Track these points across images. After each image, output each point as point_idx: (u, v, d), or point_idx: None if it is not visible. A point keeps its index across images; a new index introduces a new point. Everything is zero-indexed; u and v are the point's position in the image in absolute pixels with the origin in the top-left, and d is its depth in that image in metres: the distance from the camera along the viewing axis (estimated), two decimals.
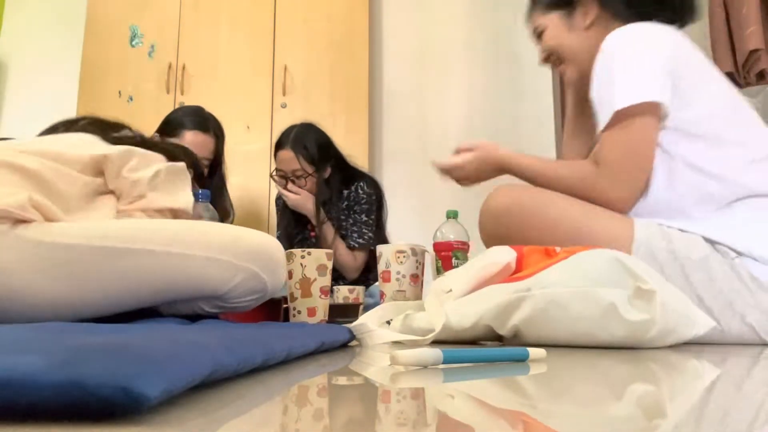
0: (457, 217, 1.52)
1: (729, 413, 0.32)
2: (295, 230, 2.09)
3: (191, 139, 1.79)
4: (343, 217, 2.02)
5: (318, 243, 1.99)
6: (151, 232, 0.93)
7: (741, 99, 1.11)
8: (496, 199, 1.14)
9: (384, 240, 2.05)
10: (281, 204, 2.14)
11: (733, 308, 0.97)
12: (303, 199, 1.96)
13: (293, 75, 2.77)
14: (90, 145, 1.09)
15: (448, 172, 1.27)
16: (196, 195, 1.34)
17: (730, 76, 1.29)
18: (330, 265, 1.18)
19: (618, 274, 0.80)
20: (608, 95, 1.06)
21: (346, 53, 2.79)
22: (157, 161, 1.11)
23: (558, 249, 0.95)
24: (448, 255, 1.43)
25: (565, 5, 1.24)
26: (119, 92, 2.73)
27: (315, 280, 1.15)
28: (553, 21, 1.26)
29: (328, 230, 1.98)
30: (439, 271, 1.44)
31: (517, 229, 1.10)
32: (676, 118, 1.04)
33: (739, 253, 0.97)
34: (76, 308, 0.90)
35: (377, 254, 1.38)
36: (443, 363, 0.52)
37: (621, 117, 1.04)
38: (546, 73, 2.96)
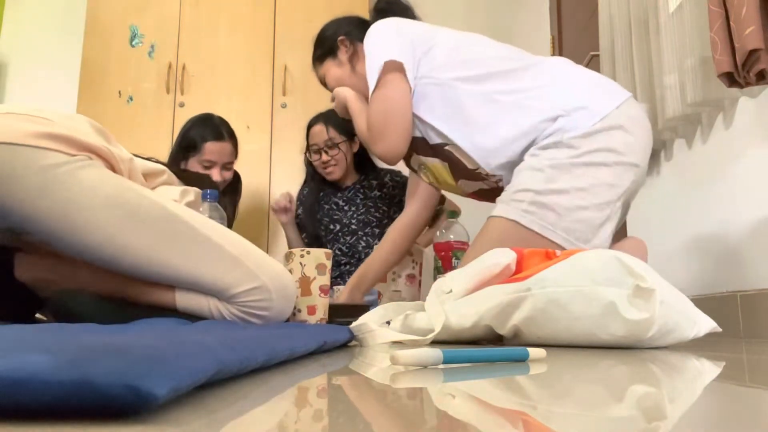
0: (457, 217, 1.52)
1: (729, 414, 0.32)
2: (313, 221, 2.14)
3: (211, 149, 1.88)
4: (384, 211, 2.11)
5: (357, 224, 2.07)
6: (198, 216, 1.02)
7: (466, 37, 1.37)
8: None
9: None
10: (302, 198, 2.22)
11: (595, 165, 1.17)
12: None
13: (293, 75, 2.77)
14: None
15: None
16: (204, 194, 1.35)
17: (729, 76, 1.29)
18: (329, 264, 1.18)
19: (617, 272, 0.80)
20: (368, 72, 1.32)
21: None
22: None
23: (558, 252, 0.96)
24: (448, 255, 1.43)
25: (330, 53, 1.57)
26: (119, 92, 2.73)
27: (314, 278, 1.15)
28: (327, 68, 1.58)
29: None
30: (439, 271, 1.44)
31: None
32: (433, 66, 1.30)
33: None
34: (119, 255, 0.95)
35: None
36: (443, 363, 0.52)
37: (378, 81, 1.29)
38: None
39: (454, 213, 1.54)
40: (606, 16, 2.10)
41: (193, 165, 1.88)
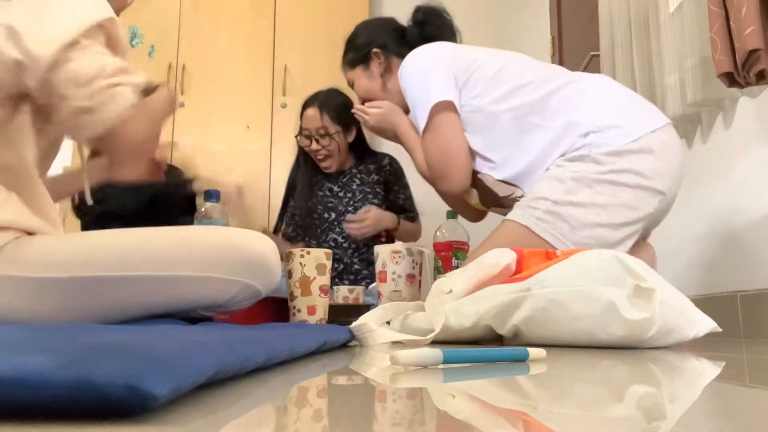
0: (457, 217, 1.52)
1: (729, 414, 0.32)
2: (307, 209, 2.03)
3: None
4: (383, 198, 2.04)
5: (354, 211, 1.95)
6: (141, 253, 0.88)
7: (507, 57, 1.35)
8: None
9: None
10: (296, 174, 2.11)
11: (618, 184, 1.15)
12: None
13: (293, 75, 2.77)
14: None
15: (362, 113, 1.50)
16: (206, 194, 1.35)
17: (729, 76, 1.29)
18: (329, 264, 1.18)
19: (617, 272, 0.80)
20: (415, 108, 1.32)
21: None
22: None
23: (558, 252, 0.96)
24: (448, 255, 1.43)
25: (362, 61, 1.54)
26: None
27: (314, 278, 1.15)
28: (357, 74, 1.55)
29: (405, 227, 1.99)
30: (439, 271, 1.44)
31: None
32: (475, 93, 1.29)
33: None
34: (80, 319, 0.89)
35: (374, 254, 1.38)
36: (443, 363, 0.52)
37: (429, 121, 1.28)
38: None
39: (455, 213, 1.54)
40: (606, 16, 2.10)
41: None
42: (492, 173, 1.27)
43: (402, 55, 1.42)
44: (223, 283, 0.92)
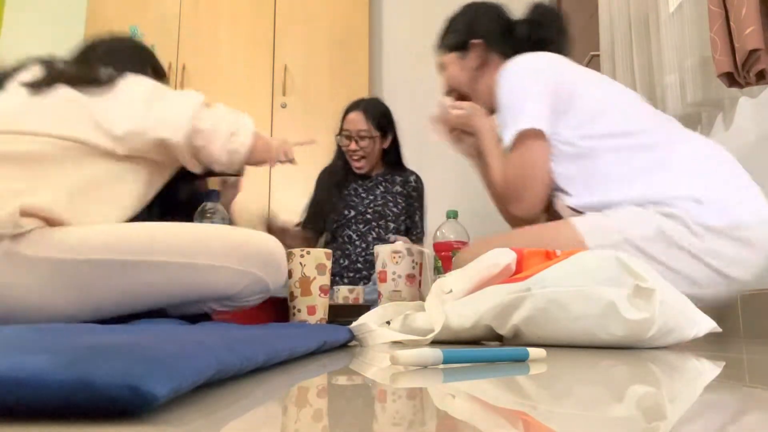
0: (457, 217, 1.52)
1: (729, 414, 0.32)
2: (331, 205, 2.12)
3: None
4: (402, 207, 2.13)
5: (371, 212, 2.07)
6: (159, 241, 0.93)
7: (622, 91, 1.29)
8: (464, 253, 1.26)
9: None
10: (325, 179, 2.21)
11: (697, 259, 1.06)
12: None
13: (293, 75, 2.77)
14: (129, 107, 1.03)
15: (442, 114, 1.44)
16: (208, 194, 1.35)
17: (729, 76, 1.29)
18: (329, 264, 1.18)
19: (617, 272, 0.80)
20: (505, 122, 1.25)
21: (346, 53, 2.79)
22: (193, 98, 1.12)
23: (558, 251, 0.96)
24: (448, 255, 1.43)
25: (460, 48, 1.44)
26: None
27: (314, 278, 1.15)
28: (451, 60, 1.46)
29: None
30: (439, 271, 1.44)
31: None
32: (571, 124, 1.21)
33: (678, 205, 1.08)
34: (85, 316, 0.91)
35: (375, 254, 1.38)
36: (443, 363, 0.52)
37: (517, 141, 1.22)
38: None
39: (455, 213, 1.54)
40: (606, 16, 2.11)
41: None
42: (566, 201, 1.21)
43: (504, 54, 1.34)
44: (235, 273, 0.97)
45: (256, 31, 2.81)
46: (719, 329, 0.85)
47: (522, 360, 0.59)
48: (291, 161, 1.46)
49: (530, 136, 1.20)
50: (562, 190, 1.22)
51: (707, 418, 0.30)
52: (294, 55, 2.78)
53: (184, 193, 1.81)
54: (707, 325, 0.83)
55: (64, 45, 3.06)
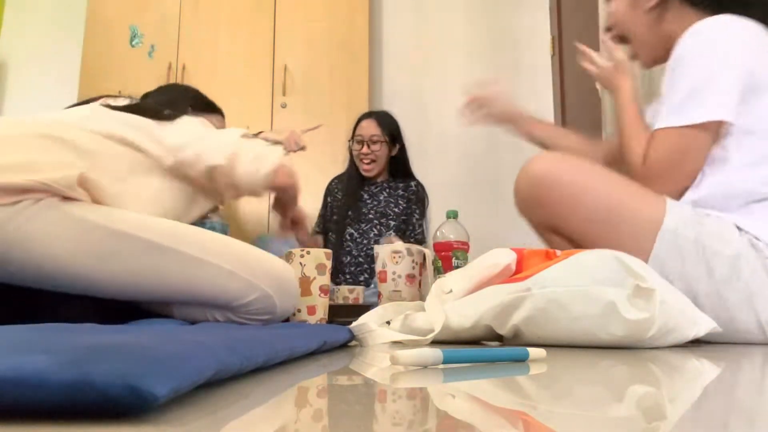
0: (457, 217, 1.52)
1: (729, 414, 0.32)
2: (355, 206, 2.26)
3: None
4: (403, 208, 2.25)
5: (372, 212, 2.21)
6: (188, 235, 0.99)
7: None
8: (537, 164, 1.12)
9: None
10: (339, 186, 2.34)
11: (752, 304, 0.96)
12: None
13: (293, 75, 2.77)
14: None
15: (590, 58, 1.25)
16: None
17: None
18: (329, 264, 1.18)
19: (617, 272, 0.80)
20: (676, 98, 1.05)
21: (346, 53, 2.79)
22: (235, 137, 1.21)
23: (558, 252, 0.96)
24: (448, 255, 1.43)
25: None
26: (119, 92, 2.73)
27: (314, 278, 1.15)
28: None
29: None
30: (439, 271, 1.44)
31: (549, 197, 1.10)
32: (741, 122, 1.03)
33: None
34: (102, 286, 0.94)
35: (375, 254, 1.38)
36: (443, 363, 0.52)
37: (684, 125, 1.03)
38: (546, 73, 2.96)
39: (455, 213, 1.54)
40: (606, 16, 2.10)
41: None
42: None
43: (694, 4, 1.12)
44: (246, 283, 0.98)
45: (256, 31, 2.81)
46: (719, 329, 0.85)
47: (522, 360, 0.59)
48: (302, 149, 1.49)
49: (705, 127, 1.03)
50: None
51: (707, 418, 0.30)
52: (294, 55, 2.78)
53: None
54: (707, 325, 0.83)
55: (65, 45, 3.07)
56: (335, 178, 2.39)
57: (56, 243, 0.90)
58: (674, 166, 1.06)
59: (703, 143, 1.04)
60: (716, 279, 0.97)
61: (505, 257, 0.96)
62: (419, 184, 2.32)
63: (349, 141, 2.30)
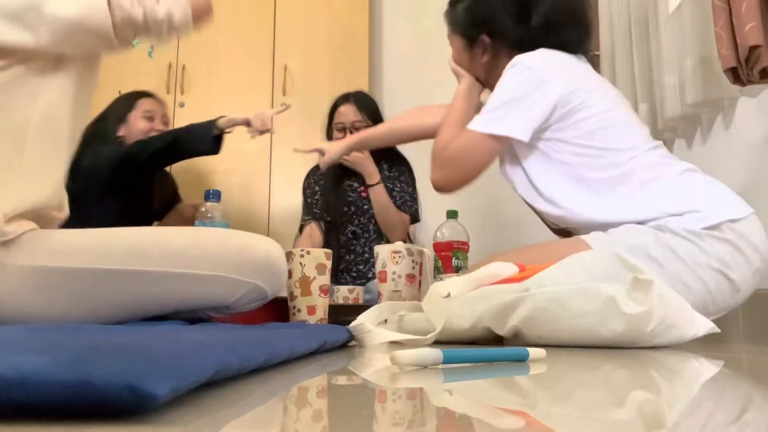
0: (457, 217, 1.52)
1: (728, 415, 0.32)
2: (336, 198, 2.16)
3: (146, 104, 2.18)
4: (389, 185, 2.13)
5: (369, 204, 2.10)
6: (157, 249, 0.89)
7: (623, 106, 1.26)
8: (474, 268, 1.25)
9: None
10: (316, 177, 2.22)
11: (698, 264, 1.07)
12: (364, 158, 2.03)
13: (293, 75, 2.77)
14: None
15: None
16: (207, 194, 1.35)
17: (734, 72, 1.28)
18: (329, 264, 1.18)
19: (616, 268, 0.80)
20: (488, 109, 1.23)
21: (346, 53, 2.79)
22: None
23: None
24: (448, 255, 1.43)
25: (468, 38, 1.36)
26: (119, 92, 2.73)
27: (314, 278, 1.15)
28: (456, 44, 1.41)
29: (382, 190, 2.07)
30: (439, 271, 1.44)
31: None
32: (565, 136, 1.20)
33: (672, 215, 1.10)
34: (83, 321, 0.89)
35: (375, 254, 1.38)
36: (443, 363, 0.52)
37: (481, 130, 1.21)
38: None
39: (455, 213, 1.54)
40: (606, 16, 2.11)
41: (136, 118, 1.98)
42: (549, 211, 1.22)
43: (513, 49, 1.27)
44: (233, 283, 0.94)
45: (256, 31, 2.80)
46: (718, 330, 0.85)
47: (522, 360, 0.59)
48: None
49: (495, 138, 1.20)
50: (551, 201, 1.21)
51: (707, 419, 0.30)
52: (294, 55, 2.78)
53: (157, 202, 1.89)
54: (706, 325, 0.84)
55: None
56: (312, 171, 2.24)
57: (26, 300, 0.85)
58: (461, 159, 1.24)
59: (492, 149, 1.23)
60: (662, 263, 1.06)
61: (506, 270, 0.95)
62: (403, 159, 2.21)
63: (327, 130, 2.17)
